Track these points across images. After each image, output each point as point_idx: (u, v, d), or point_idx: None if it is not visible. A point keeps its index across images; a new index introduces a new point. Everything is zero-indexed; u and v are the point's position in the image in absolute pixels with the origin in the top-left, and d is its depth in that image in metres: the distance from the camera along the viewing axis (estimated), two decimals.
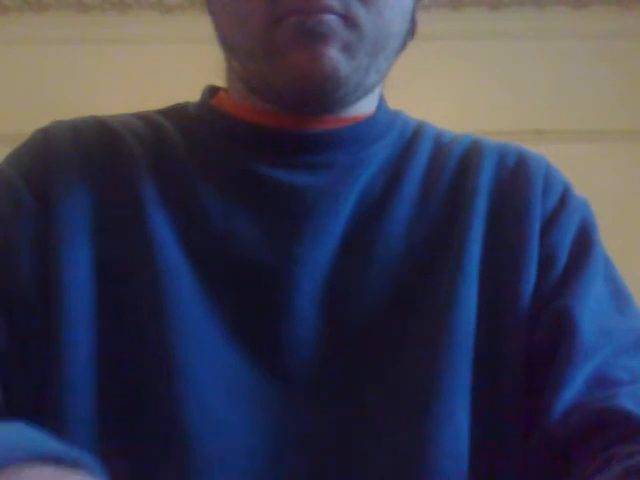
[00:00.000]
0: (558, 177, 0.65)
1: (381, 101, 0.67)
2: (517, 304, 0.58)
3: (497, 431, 0.56)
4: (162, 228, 0.57)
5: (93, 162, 0.59)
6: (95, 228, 0.57)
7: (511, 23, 2.23)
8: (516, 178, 0.63)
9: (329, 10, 0.53)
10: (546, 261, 0.60)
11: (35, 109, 1.99)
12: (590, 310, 0.57)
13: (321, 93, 0.56)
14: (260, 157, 0.60)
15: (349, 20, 0.54)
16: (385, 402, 0.55)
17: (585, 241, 0.62)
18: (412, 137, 0.66)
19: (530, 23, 2.23)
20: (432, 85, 2.16)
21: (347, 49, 0.55)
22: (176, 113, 0.66)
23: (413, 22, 0.65)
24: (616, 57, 2.21)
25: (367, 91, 0.60)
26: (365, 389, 0.56)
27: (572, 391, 0.53)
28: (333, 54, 0.54)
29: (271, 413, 0.54)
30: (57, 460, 0.38)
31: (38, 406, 0.54)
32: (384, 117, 0.66)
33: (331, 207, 0.59)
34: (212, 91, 0.68)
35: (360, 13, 0.55)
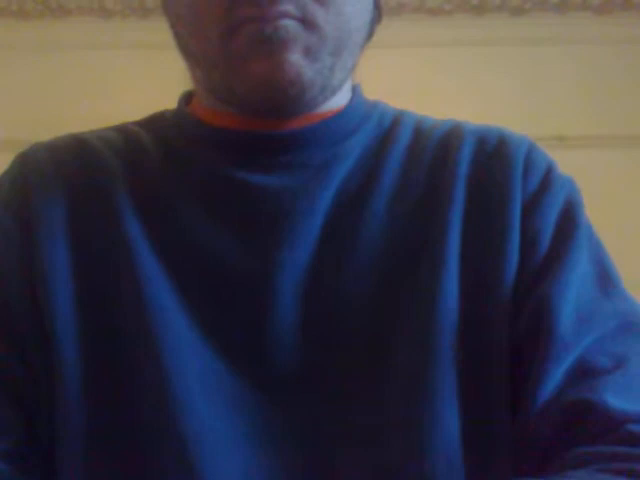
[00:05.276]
0: (541, 157, 0.63)
1: (355, 93, 0.65)
2: (500, 291, 0.56)
3: (488, 427, 0.55)
4: (137, 237, 0.57)
5: (70, 178, 0.60)
6: (74, 241, 0.58)
7: (533, 29, 2.22)
8: (496, 161, 0.61)
9: (286, 15, 0.52)
10: (528, 245, 0.58)
11: (55, 115, 2.00)
12: (571, 296, 0.56)
13: (286, 100, 0.55)
14: (233, 161, 0.59)
15: (307, 23, 0.53)
16: (371, 407, 0.54)
17: (569, 222, 0.60)
18: (391, 126, 0.64)
19: (552, 29, 2.22)
20: (454, 91, 2.15)
21: (309, 52, 0.54)
22: (153, 122, 0.66)
23: (378, 7, 0.63)
24: (639, 62, 2.19)
25: (335, 90, 0.59)
26: (350, 393, 0.55)
27: (551, 385, 0.52)
28: (295, 59, 0.53)
29: (253, 418, 0.54)
30: None
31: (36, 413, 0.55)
32: (358, 109, 0.64)
33: (307, 206, 0.58)
34: (189, 96, 0.67)
35: (318, 14, 0.54)
